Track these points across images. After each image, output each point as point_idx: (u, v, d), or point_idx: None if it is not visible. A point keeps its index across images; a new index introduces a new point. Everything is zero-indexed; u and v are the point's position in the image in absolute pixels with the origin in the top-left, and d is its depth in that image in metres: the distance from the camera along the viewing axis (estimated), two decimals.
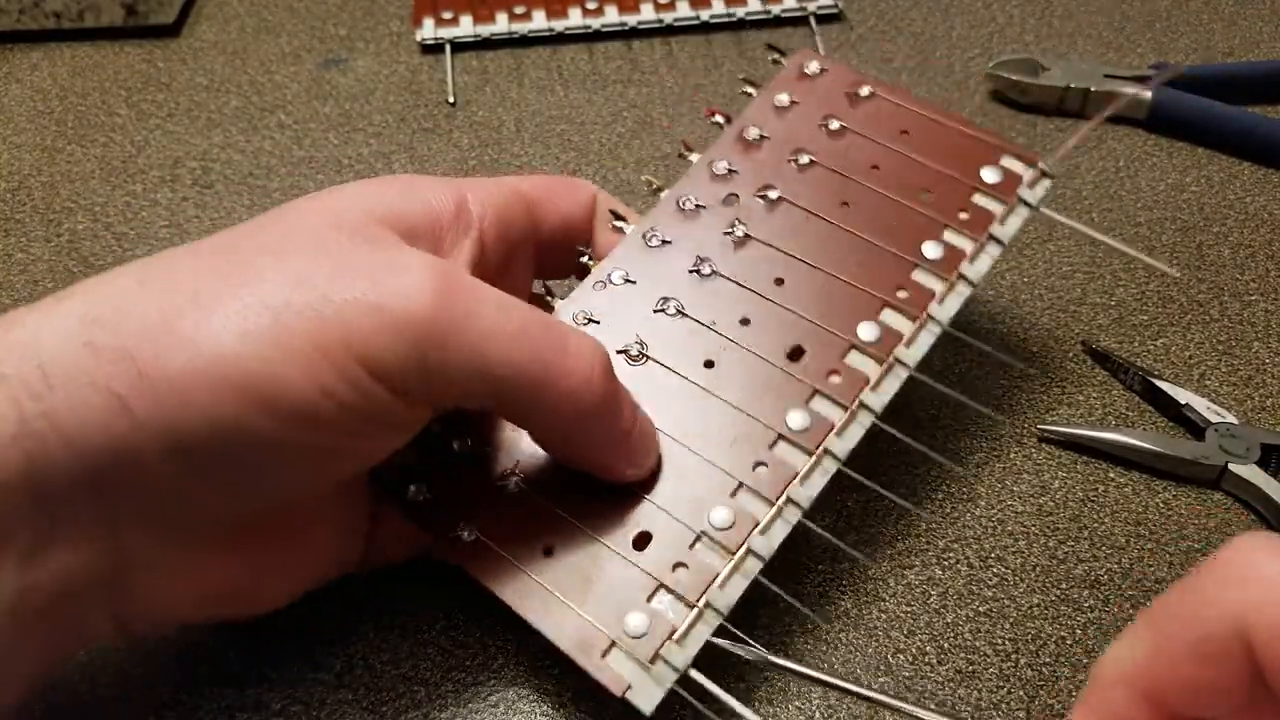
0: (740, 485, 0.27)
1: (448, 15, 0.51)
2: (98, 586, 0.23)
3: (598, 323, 0.29)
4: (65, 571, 0.22)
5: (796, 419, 0.28)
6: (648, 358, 0.29)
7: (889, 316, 0.29)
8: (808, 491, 0.27)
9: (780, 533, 0.27)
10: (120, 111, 0.48)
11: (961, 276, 0.30)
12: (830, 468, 0.27)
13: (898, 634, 0.30)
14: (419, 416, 0.25)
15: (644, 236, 0.31)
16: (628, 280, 0.30)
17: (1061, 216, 0.32)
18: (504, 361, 0.24)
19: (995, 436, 0.34)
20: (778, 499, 0.27)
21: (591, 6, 0.51)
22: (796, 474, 0.27)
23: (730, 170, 0.32)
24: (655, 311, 0.30)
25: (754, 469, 0.27)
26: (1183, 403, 0.34)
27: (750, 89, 0.34)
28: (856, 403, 0.28)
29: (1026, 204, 0.31)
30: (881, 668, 0.29)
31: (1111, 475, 0.33)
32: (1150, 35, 0.50)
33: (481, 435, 0.28)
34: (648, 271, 0.30)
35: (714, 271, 0.30)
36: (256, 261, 0.24)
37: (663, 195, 0.32)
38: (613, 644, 0.25)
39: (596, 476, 0.27)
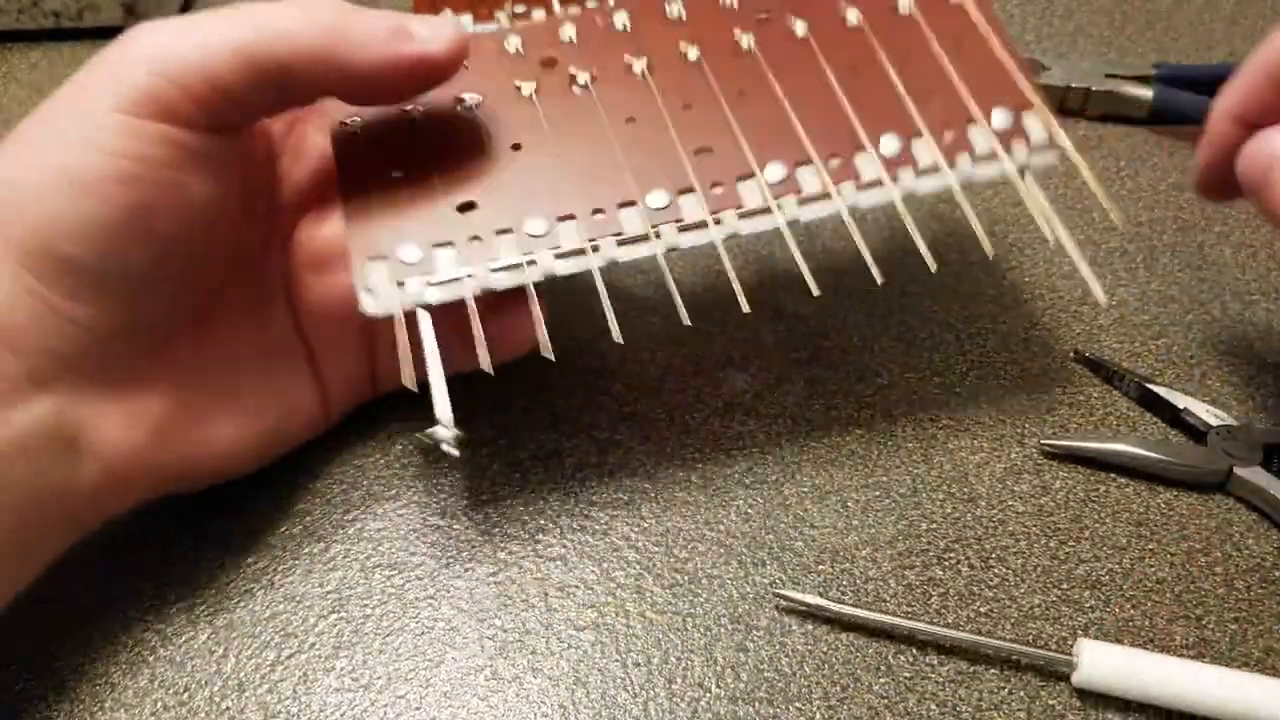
0: (570, 217, 0.29)
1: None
2: (56, 442, 0.26)
3: (574, 44, 0.32)
4: (21, 430, 0.25)
5: (656, 198, 0.29)
6: (589, 90, 0.31)
7: (803, 173, 0.30)
8: (622, 253, 0.29)
9: (573, 267, 0.29)
10: None
11: (896, 180, 0.30)
12: (657, 248, 0.29)
13: (899, 634, 0.30)
14: (221, 148, 0.27)
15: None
16: (625, 28, 0.32)
17: (1039, 195, 0.30)
18: (230, 32, 0.26)
19: (996, 436, 0.34)
20: (589, 241, 0.29)
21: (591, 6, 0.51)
22: (621, 233, 0.29)
23: None
24: (625, 60, 0.32)
25: (591, 213, 0.29)
26: (1181, 407, 0.34)
27: None
28: (715, 217, 0.29)
29: (1010, 162, 0.30)
30: (882, 668, 0.29)
31: (1113, 475, 0.33)
32: (1151, 35, 0.50)
33: None
34: (643, 26, 0.32)
35: (699, 59, 0.32)
36: (44, 105, 0.27)
37: None
38: (382, 257, 0.28)
39: (418, 81, 0.29)
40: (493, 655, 0.29)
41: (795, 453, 0.34)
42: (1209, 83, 0.45)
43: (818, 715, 0.28)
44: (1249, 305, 0.38)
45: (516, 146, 0.30)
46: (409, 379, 0.27)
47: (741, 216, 0.29)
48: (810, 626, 0.30)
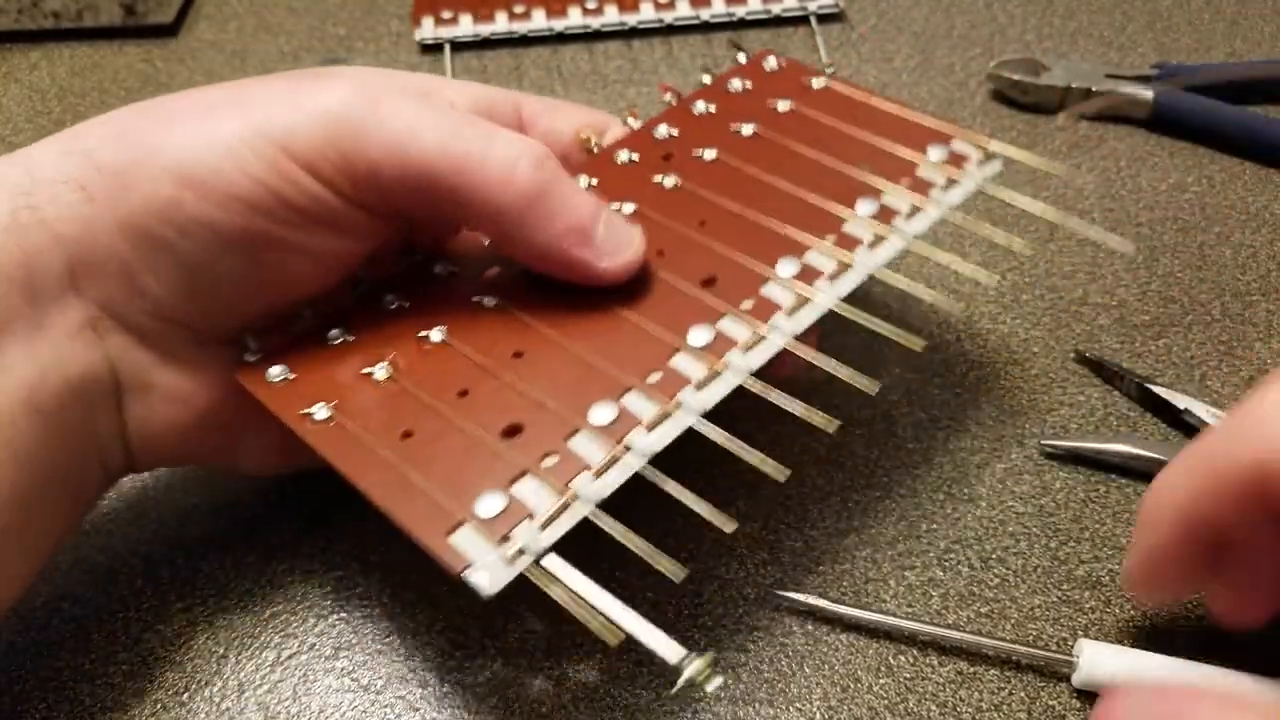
0: (629, 390, 0.27)
1: (447, 15, 0.51)
2: (97, 392, 0.27)
3: None
4: (67, 367, 0.26)
5: (699, 335, 0.28)
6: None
7: (812, 256, 0.29)
8: (703, 397, 0.26)
9: (668, 434, 0.26)
10: None
11: (896, 229, 0.30)
12: (732, 380, 0.27)
13: (898, 635, 0.29)
14: (361, 222, 0.27)
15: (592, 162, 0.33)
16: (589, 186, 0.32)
17: (1008, 193, 0.31)
18: (422, 151, 0.26)
19: (997, 437, 0.34)
20: (669, 400, 0.26)
21: (591, 6, 0.51)
22: (691, 381, 0.27)
23: (670, 135, 0.34)
24: None
25: (647, 377, 0.27)
26: (1181, 407, 0.34)
27: (707, 77, 0.36)
28: (766, 325, 0.28)
29: (972, 179, 0.32)
30: (882, 669, 0.29)
31: (1113, 476, 0.33)
32: (1152, 35, 0.50)
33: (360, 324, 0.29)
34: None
35: (637, 211, 0.31)
36: (211, 92, 0.28)
37: (602, 145, 0.33)
38: (461, 523, 0.24)
39: (575, 280, 0.28)
40: (492, 655, 0.29)
41: (795, 452, 0.34)
42: (1209, 83, 0.46)
43: (818, 715, 0.28)
44: (1249, 305, 0.38)
45: (517, 355, 0.28)
46: (611, 635, 0.23)
47: (788, 315, 0.28)
48: (810, 626, 0.30)
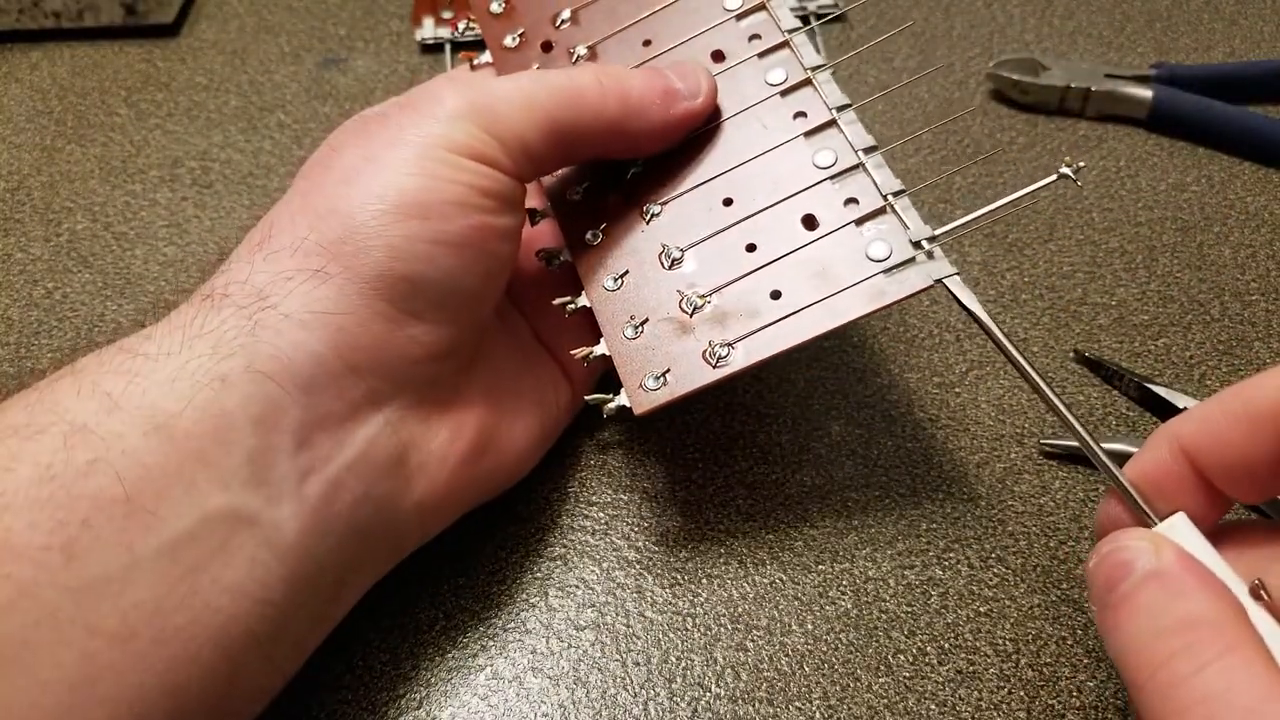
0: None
1: (448, 15, 0.51)
2: (387, 461, 0.26)
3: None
4: (355, 451, 0.26)
5: (824, 158, 0.30)
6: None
7: (771, 61, 0.32)
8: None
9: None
10: (120, 111, 0.48)
11: None
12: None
13: (898, 634, 0.30)
14: (519, 194, 0.29)
15: None
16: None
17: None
18: (541, 105, 0.29)
19: (996, 437, 0.34)
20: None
21: None
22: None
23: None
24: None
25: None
26: (1181, 407, 0.34)
27: None
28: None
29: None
30: (882, 668, 0.29)
31: None
32: (1151, 35, 0.50)
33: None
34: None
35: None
36: (347, 151, 0.28)
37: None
38: (879, 273, 0.28)
39: (686, 128, 0.31)
40: (493, 655, 0.30)
41: (795, 453, 0.34)
42: (1209, 83, 0.46)
43: (818, 715, 0.28)
44: (1249, 305, 0.38)
45: (727, 201, 0.31)
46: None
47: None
48: (810, 626, 0.30)
